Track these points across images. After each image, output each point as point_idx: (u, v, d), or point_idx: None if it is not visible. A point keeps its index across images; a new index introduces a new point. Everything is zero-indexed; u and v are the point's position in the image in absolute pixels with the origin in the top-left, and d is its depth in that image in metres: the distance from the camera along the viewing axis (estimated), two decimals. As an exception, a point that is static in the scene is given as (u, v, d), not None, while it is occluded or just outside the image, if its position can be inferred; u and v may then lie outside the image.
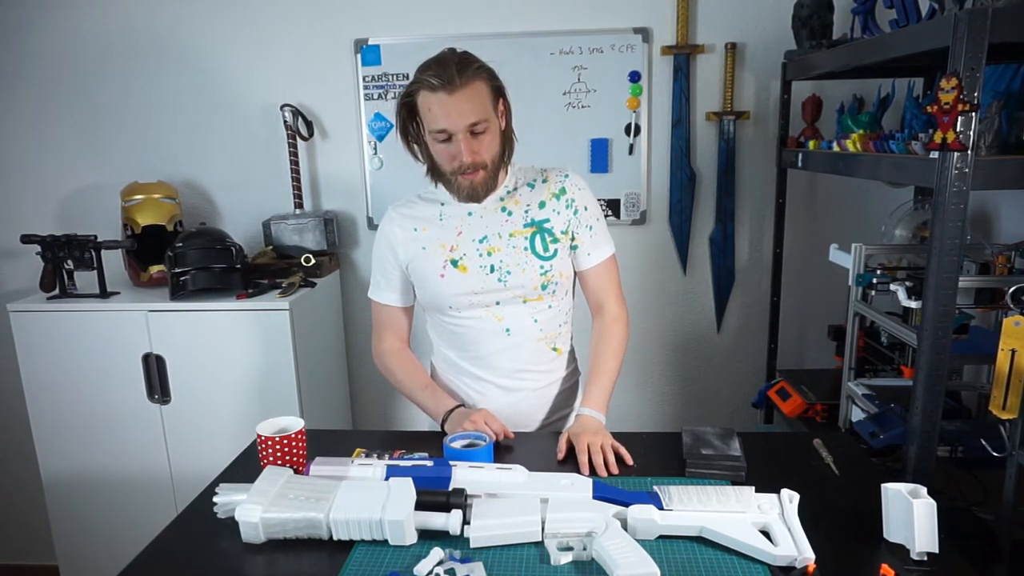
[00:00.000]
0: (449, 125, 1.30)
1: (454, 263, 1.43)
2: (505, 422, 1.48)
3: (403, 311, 1.54)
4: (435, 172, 1.42)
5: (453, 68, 1.28)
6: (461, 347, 1.50)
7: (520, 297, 1.45)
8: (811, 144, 2.05)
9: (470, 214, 1.45)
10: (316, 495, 1.10)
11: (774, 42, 2.26)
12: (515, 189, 1.47)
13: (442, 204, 1.46)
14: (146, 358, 2.13)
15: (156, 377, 2.14)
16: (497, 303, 1.44)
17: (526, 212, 1.45)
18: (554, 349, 1.52)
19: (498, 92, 1.36)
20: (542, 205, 1.46)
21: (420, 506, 1.08)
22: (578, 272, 1.52)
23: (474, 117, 1.30)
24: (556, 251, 1.45)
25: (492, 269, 1.43)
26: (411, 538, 1.06)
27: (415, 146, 1.42)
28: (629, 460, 1.30)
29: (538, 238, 1.44)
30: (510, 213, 1.45)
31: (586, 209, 1.48)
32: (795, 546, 1.01)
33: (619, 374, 1.50)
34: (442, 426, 1.42)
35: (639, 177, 2.39)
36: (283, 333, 2.09)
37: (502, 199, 1.45)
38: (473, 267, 1.43)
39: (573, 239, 1.48)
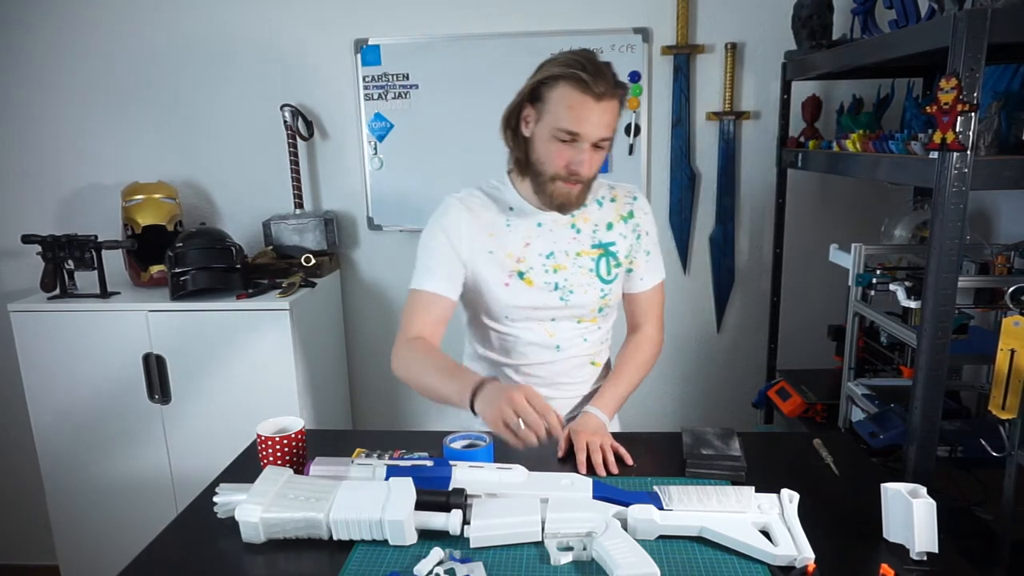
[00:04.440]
0: (584, 131, 1.24)
1: (520, 275, 1.38)
2: None
3: (449, 303, 1.38)
4: (524, 167, 1.36)
5: (609, 76, 1.24)
6: (505, 353, 1.46)
7: (576, 317, 1.43)
8: (811, 144, 2.05)
9: (539, 225, 1.39)
10: (316, 495, 1.10)
11: (774, 42, 2.26)
12: (585, 206, 1.41)
13: (511, 209, 1.40)
14: (146, 358, 2.14)
15: (156, 377, 2.14)
16: (552, 319, 1.42)
17: (594, 232, 1.42)
18: (593, 363, 1.51)
19: (619, 114, 1.32)
20: (610, 227, 1.43)
21: (420, 506, 1.08)
22: (626, 294, 1.50)
23: (607, 132, 1.27)
24: (617, 275, 1.44)
25: (556, 287, 1.39)
26: (411, 538, 1.06)
27: (509, 132, 1.36)
28: (629, 460, 1.29)
29: (603, 261, 1.42)
30: (579, 231, 1.41)
31: (647, 235, 1.46)
32: (795, 546, 1.01)
33: (635, 389, 1.49)
34: (472, 405, 1.18)
35: (639, 177, 2.39)
36: (283, 333, 2.09)
37: (572, 215, 1.40)
38: (538, 282, 1.38)
39: (631, 263, 1.46)
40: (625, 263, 1.44)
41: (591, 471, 1.26)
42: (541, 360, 1.45)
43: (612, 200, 1.44)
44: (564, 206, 1.34)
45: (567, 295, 1.40)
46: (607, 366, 1.58)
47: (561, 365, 1.46)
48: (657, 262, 1.50)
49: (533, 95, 1.29)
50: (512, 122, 1.35)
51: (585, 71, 1.22)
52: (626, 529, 1.06)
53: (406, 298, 1.41)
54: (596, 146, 1.27)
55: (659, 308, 1.53)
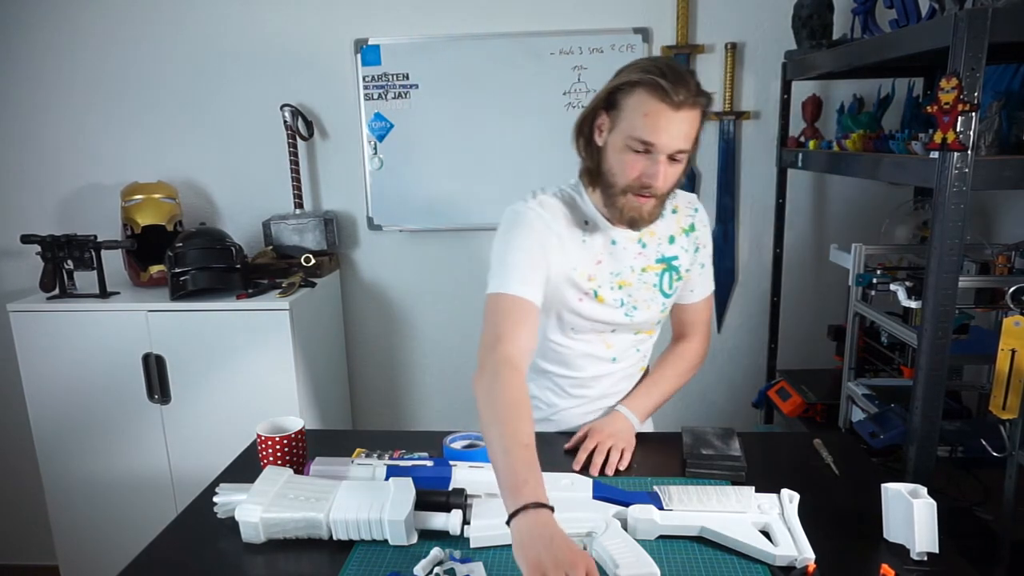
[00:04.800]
0: (659, 141, 1.16)
1: (595, 293, 1.32)
2: (562, 426, 1.44)
3: (537, 314, 1.25)
4: (595, 178, 1.28)
5: (691, 83, 1.15)
6: (562, 365, 1.41)
7: (635, 329, 1.40)
8: (811, 144, 2.05)
9: (613, 243, 1.32)
10: (316, 495, 1.10)
11: (774, 42, 2.26)
12: None
13: (585, 223, 1.32)
14: (146, 358, 2.13)
15: (156, 377, 2.14)
16: (612, 331, 1.38)
17: (658, 246, 1.36)
18: (641, 370, 1.49)
19: (702, 124, 1.22)
20: (672, 240, 1.37)
21: (420, 506, 1.09)
22: (674, 304, 1.45)
23: (684, 144, 1.18)
24: (677, 289, 1.40)
25: (621, 303, 1.35)
26: (411, 538, 1.06)
27: (582, 140, 1.29)
28: (623, 465, 1.29)
29: (666, 275, 1.37)
30: (644, 245, 1.35)
31: (704, 247, 1.42)
32: (795, 546, 1.01)
33: (669, 399, 1.46)
34: (511, 518, 0.95)
35: (639, 177, 2.39)
36: (283, 333, 2.09)
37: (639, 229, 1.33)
38: (608, 299, 1.33)
39: (687, 276, 1.42)
40: (686, 277, 1.41)
41: (584, 470, 1.26)
42: (598, 372, 1.41)
43: (673, 211, 1.38)
44: (635, 221, 1.26)
45: (631, 311, 1.36)
46: (647, 371, 1.55)
47: (615, 378, 1.43)
48: (709, 275, 1.45)
49: (608, 102, 1.22)
50: (585, 130, 1.28)
51: (664, 77, 1.14)
52: (626, 529, 1.06)
53: (486, 301, 1.25)
54: (672, 159, 1.19)
55: (707, 321, 1.49)
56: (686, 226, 1.39)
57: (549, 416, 1.45)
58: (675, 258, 1.38)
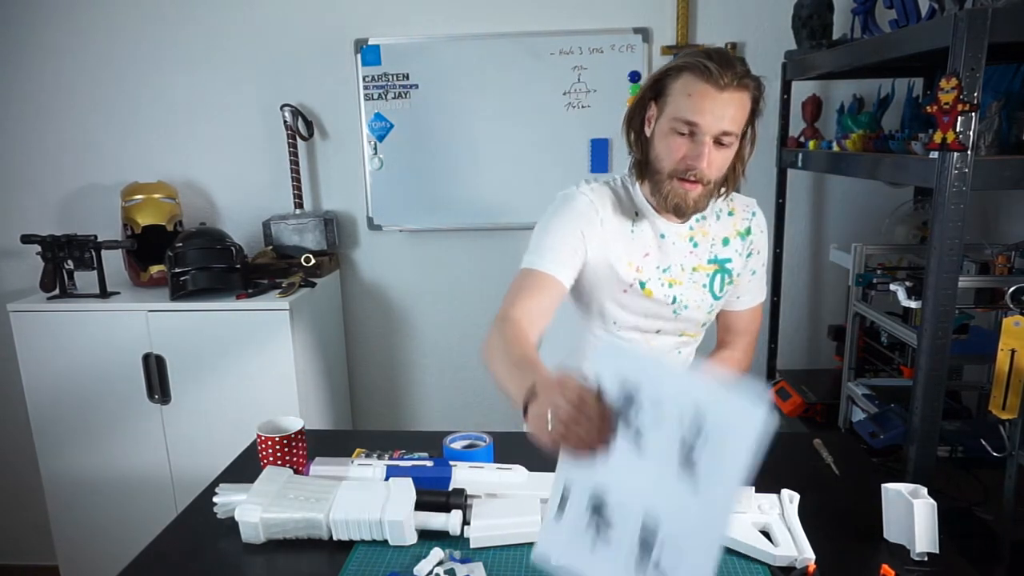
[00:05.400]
0: (703, 121, 1.16)
1: (642, 285, 1.31)
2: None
3: (562, 289, 1.25)
4: (643, 169, 1.28)
5: (736, 65, 1.15)
6: None
7: (680, 331, 1.39)
8: (811, 144, 2.04)
9: (663, 237, 1.32)
10: (316, 495, 1.10)
11: (774, 42, 2.26)
12: (704, 218, 1.34)
13: (636, 214, 1.32)
14: (146, 358, 2.13)
15: (156, 377, 2.14)
16: (657, 331, 1.37)
17: (711, 247, 1.35)
18: None
19: (754, 113, 1.21)
20: (726, 242, 1.36)
21: (420, 506, 1.09)
22: (721, 310, 1.44)
23: (730, 126, 1.17)
24: (727, 292, 1.38)
25: (673, 300, 1.33)
26: (411, 538, 1.06)
27: (632, 132, 1.29)
28: None
29: (718, 277, 1.36)
30: (696, 245, 1.34)
31: (759, 253, 1.40)
32: (795, 546, 1.01)
33: None
34: (525, 409, 0.91)
35: (639, 177, 2.39)
36: (283, 333, 2.09)
37: (691, 228, 1.33)
38: (657, 294, 1.32)
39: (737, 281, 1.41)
40: (736, 281, 1.39)
41: None
42: None
43: (730, 214, 1.37)
44: (680, 208, 1.24)
45: (681, 309, 1.34)
46: None
47: None
48: (760, 283, 1.43)
49: (655, 90, 1.22)
50: (635, 122, 1.28)
51: (710, 59, 1.15)
52: (626, 529, 1.06)
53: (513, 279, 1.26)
54: (719, 143, 1.18)
55: (752, 332, 1.48)
56: (742, 229, 1.38)
57: None
58: (728, 260, 1.36)
